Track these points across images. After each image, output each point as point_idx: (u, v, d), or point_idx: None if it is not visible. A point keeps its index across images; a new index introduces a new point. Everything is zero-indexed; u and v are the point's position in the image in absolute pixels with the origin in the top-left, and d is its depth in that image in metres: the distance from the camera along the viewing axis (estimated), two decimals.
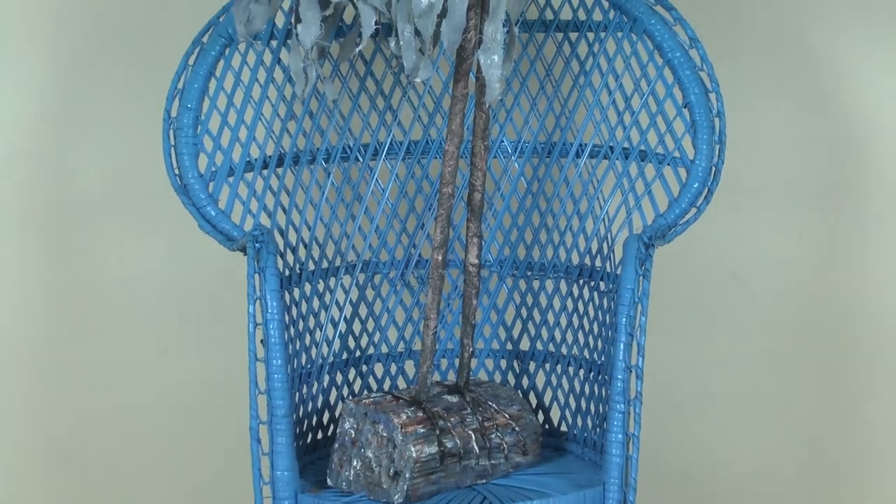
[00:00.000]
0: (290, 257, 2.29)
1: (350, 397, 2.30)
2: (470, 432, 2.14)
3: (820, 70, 2.63)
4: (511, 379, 2.41)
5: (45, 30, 2.63)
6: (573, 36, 2.35)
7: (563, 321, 2.36)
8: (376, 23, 2.03)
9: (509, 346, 2.41)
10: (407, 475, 2.08)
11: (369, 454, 2.12)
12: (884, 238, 2.63)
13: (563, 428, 2.35)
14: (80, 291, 2.68)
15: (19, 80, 2.64)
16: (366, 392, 2.37)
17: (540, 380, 2.39)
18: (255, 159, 2.26)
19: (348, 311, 2.36)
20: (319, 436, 2.32)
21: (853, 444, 2.69)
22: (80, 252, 2.67)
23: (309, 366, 2.29)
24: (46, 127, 2.65)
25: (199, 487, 2.73)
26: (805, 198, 2.64)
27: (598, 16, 2.32)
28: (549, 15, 2.36)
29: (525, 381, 2.40)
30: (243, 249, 2.14)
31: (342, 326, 2.35)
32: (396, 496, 2.08)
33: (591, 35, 2.34)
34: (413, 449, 2.07)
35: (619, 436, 2.07)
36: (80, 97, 2.63)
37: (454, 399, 2.18)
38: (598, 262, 2.31)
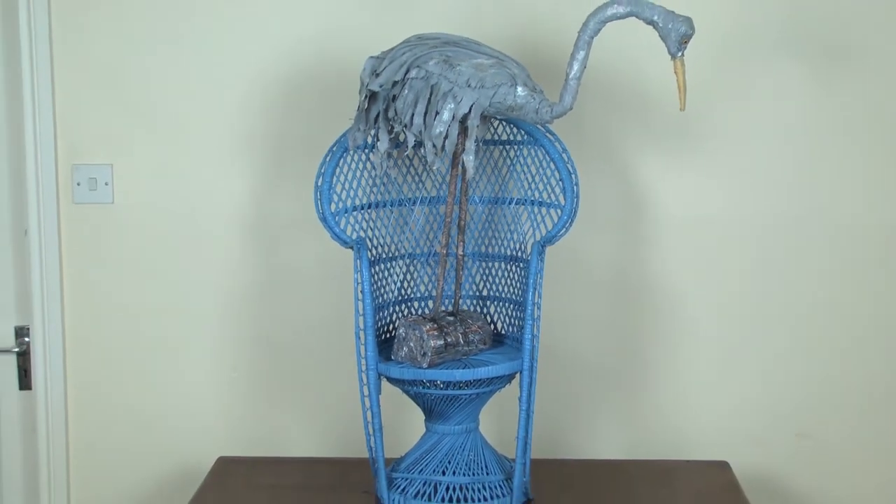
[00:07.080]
0: (373, 251, 2.77)
1: (402, 317, 2.79)
2: (459, 334, 2.69)
3: (630, 162, 3.09)
4: (478, 308, 2.88)
5: (256, 137, 3.12)
6: (507, 147, 2.84)
7: (503, 281, 2.84)
8: (415, 141, 2.56)
9: (478, 293, 2.88)
10: (428, 354, 2.63)
11: (411, 344, 2.65)
12: (662, 243, 3.15)
13: (503, 332, 2.86)
14: (272, 270, 3.21)
15: (243, 160, 3.11)
16: (410, 314, 2.85)
17: (492, 309, 2.87)
18: (358, 205, 2.75)
19: (401, 277, 2.84)
20: (388, 336, 2.82)
21: (652, 340, 3.19)
22: (274, 250, 3.18)
23: (382, 302, 2.78)
24: (262, 183, 3.08)
25: (332, 359, 3.21)
26: (620, 226, 3.16)
27: (518, 137, 2.81)
28: (495, 136, 2.85)
29: (485, 310, 2.88)
30: (352, 247, 2.65)
31: (398, 284, 2.84)
32: (423, 364, 2.63)
33: (515, 147, 2.83)
34: (432, 342, 2.62)
35: (529, 335, 2.60)
36: (277, 171, 3.11)
37: (451, 318, 2.71)
38: (519, 254, 2.79)
